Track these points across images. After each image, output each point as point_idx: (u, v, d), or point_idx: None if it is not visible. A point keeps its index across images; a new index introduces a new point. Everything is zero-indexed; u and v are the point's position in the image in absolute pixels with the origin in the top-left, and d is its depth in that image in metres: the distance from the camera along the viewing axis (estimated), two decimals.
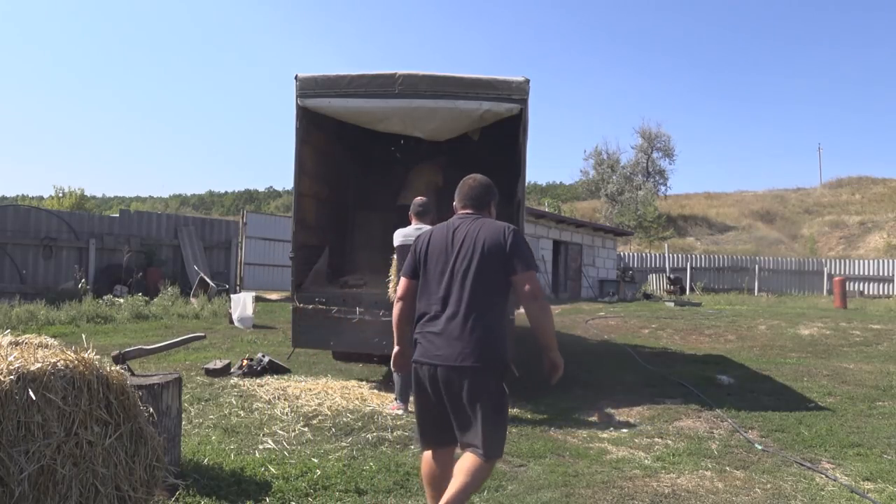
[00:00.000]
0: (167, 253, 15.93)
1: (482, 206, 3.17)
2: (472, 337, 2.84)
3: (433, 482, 2.96)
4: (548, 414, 5.65)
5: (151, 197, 57.15)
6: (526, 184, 6.95)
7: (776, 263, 27.76)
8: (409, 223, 5.83)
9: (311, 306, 6.59)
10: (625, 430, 5.26)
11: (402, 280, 3.19)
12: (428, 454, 3.00)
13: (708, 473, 4.23)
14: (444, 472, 2.93)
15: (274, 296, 16.77)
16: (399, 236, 5.76)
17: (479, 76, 6.40)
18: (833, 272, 26.02)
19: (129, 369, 3.77)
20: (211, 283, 14.44)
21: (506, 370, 2.95)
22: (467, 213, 3.15)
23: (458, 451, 3.02)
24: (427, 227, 5.72)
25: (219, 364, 6.79)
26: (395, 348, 3.19)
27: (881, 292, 25.86)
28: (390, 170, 9.20)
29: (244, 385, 6.21)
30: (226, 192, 68.63)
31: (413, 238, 5.68)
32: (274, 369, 6.88)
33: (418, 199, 5.91)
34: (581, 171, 43.72)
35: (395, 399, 5.57)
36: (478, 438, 2.82)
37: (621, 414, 5.78)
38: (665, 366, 8.24)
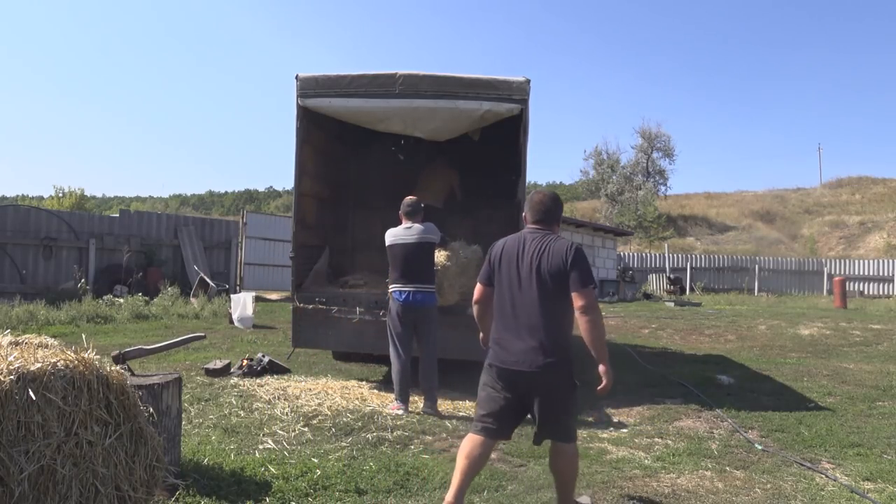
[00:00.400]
0: (167, 253, 15.92)
1: (551, 221, 3.47)
2: (541, 343, 3.19)
3: (471, 462, 3.24)
4: None
5: (151, 197, 57.14)
6: (526, 184, 6.95)
7: (776, 263, 27.74)
8: (400, 223, 5.84)
9: (311, 306, 6.59)
10: (625, 430, 5.26)
11: (478, 286, 3.57)
12: (478, 438, 3.28)
13: (708, 473, 4.23)
14: (484, 456, 3.31)
15: (274, 296, 16.77)
16: (389, 236, 5.82)
17: (479, 76, 6.40)
18: (833, 272, 26.00)
19: (129, 369, 3.77)
20: (211, 283, 14.43)
21: (572, 368, 3.27)
22: (537, 228, 3.45)
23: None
24: (417, 226, 5.74)
25: (219, 364, 6.79)
26: (481, 335, 3.64)
27: (881, 292, 25.85)
28: (390, 170, 9.19)
29: (244, 385, 6.21)
30: (226, 192, 68.66)
31: (402, 238, 5.70)
32: (274, 369, 6.88)
33: (408, 198, 5.94)
34: (581, 171, 43.75)
35: (395, 399, 5.57)
36: (559, 429, 3.29)
37: (621, 414, 5.78)
38: (665, 366, 8.24)
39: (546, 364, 3.15)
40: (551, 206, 3.47)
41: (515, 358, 3.21)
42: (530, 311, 3.23)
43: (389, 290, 5.79)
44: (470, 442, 3.27)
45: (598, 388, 3.23)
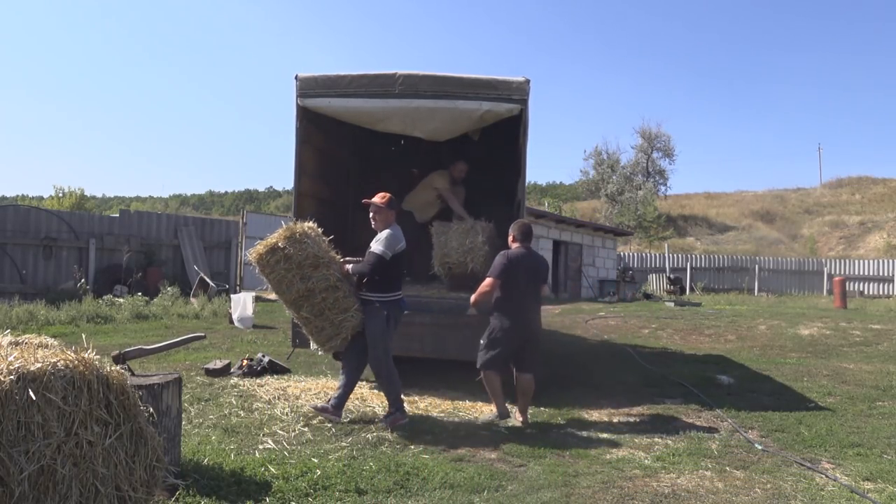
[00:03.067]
0: (167, 253, 15.92)
1: (530, 241, 5.54)
2: (538, 314, 5.55)
3: (500, 386, 5.40)
4: (548, 414, 5.65)
5: (151, 197, 57.13)
6: (526, 184, 6.95)
7: (776, 263, 27.74)
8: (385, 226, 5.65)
9: None
10: (625, 431, 5.26)
11: (493, 280, 5.29)
12: (497, 374, 5.38)
13: (708, 473, 4.23)
14: (502, 382, 5.42)
15: (274, 296, 16.73)
16: (399, 242, 5.54)
17: (479, 76, 6.40)
18: (833, 272, 25.99)
19: (129, 369, 3.77)
20: (211, 283, 14.43)
21: None
22: (527, 246, 5.47)
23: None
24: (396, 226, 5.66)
25: (219, 364, 6.79)
26: (475, 298, 5.45)
27: (881, 292, 25.84)
28: (391, 170, 9.18)
29: (244, 385, 6.21)
30: (226, 192, 68.67)
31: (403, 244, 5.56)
32: (274, 369, 6.88)
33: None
34: (581, 171, 43.72)
35: (399, 411, 5.15)
36: (534, 366, 5.46)
37: (621, 414, 5.78)
38: (665, 366, 8.24)
39: (539, 325, 5.58)
40: (530, 232, 5.56)
41: (528, 324, 5.38)
42: (535, 296, 5.46)
43: (393, 297, 5.37)
44: (497, 378, 5.37)
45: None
